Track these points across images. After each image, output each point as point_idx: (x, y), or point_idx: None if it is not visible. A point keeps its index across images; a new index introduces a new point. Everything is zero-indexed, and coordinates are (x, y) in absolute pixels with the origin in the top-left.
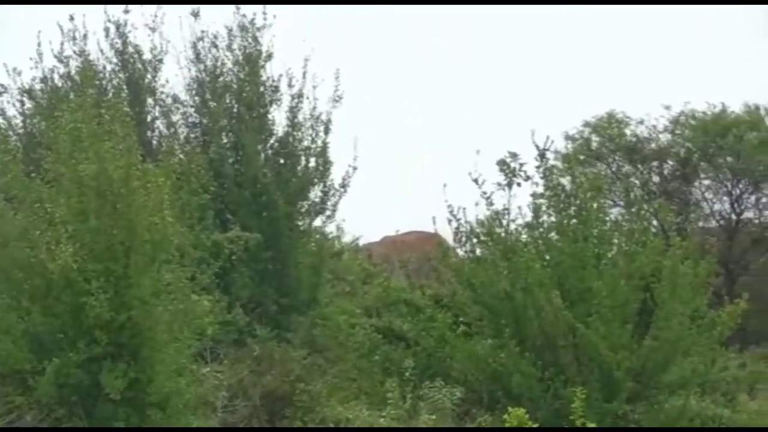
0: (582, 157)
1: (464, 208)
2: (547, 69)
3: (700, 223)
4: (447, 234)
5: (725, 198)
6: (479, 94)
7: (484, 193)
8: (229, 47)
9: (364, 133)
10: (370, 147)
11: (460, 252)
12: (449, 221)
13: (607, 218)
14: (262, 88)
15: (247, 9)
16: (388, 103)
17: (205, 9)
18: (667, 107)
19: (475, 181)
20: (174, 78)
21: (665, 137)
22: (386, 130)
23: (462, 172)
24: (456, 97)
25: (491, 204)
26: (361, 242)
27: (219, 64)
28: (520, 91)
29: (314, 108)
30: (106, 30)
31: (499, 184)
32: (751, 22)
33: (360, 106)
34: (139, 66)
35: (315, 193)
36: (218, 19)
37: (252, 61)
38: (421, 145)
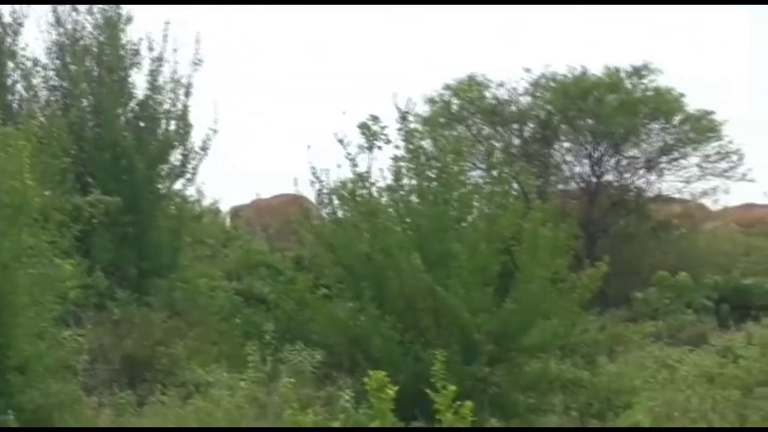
0: (443, 120)
1: (327, 170)
2: (413, 31)
3: (561, 186)
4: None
5: (585, 161)
6: (346, 57)
7: (349, 154)
8: (89, 11)
9: (244, 98)
10: (245, 110)
11: (324, 214)
12: (312, 183)
13: (468, 181)
14: (122, 52)
15: None
16: (268, 69)
17: None
18: (528, 70)
19: (341, 141)
20: (34, 42)
21: (526, 100)
22: (263, 93)
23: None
24: (325, 59)
25: (355, 166)
26: (231, 205)
27: (79, 27)
28: (386, 52)
29: (175, 72)
30: None
31: (361, 147)
32: None
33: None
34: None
35: (175, 157)
36: None
37: (112, 24)
38: (294, 108)
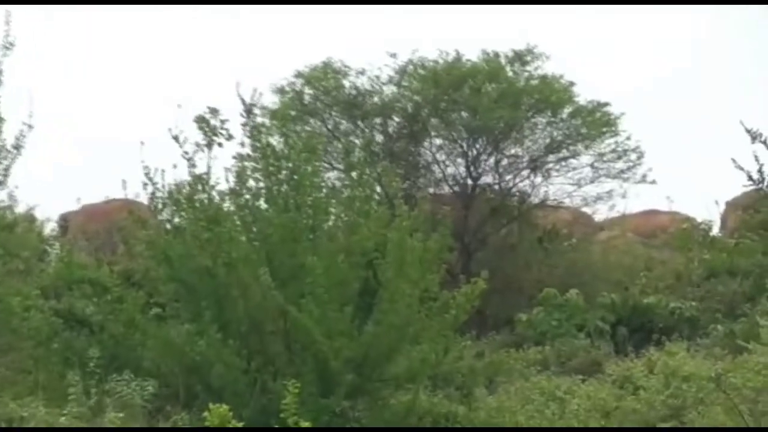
0: (294, 113)
1: (163, 171)
2: (263, 11)
3: (432, 190)
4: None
5: (460, 160)
6: (183, 42)
7: (186, 153)
8: None
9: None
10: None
11: (158, 221)
12: (144, 185)
13: (324, 184)
14: None
15: None
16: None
17: None
18: (393, 55)
19: (176, 138)
20: None
21: (390, 90)
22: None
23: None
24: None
25: (193, 166)
26: (58, 212)
27: None
28: (230, 36)
29: None
30: None
31: (198, 144)
32: None
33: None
34: None
35: None
36: None
37: None
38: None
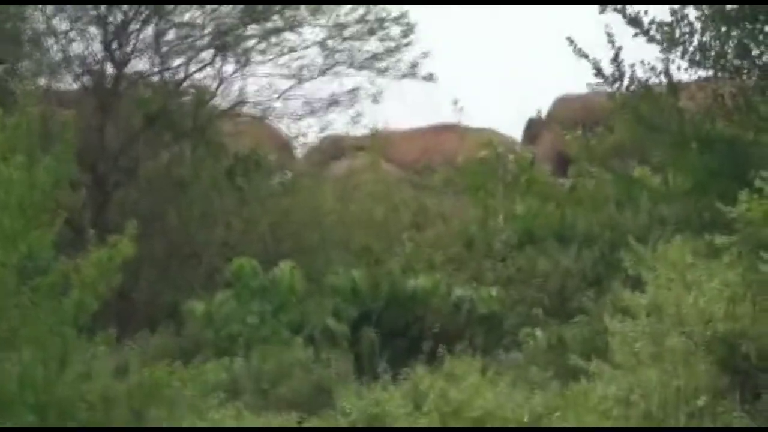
0: None
1: None
2: None
3: (44, 81)
4: None
5: (94, 30)
6: None
7: None
8: None
9: None
10: None
11: None
12: None
13: None
14: None
15: None
16: None
17: None
18: None
19: None
20: None
21: None
22: None
23: None
24: None
25: None
26: None
27: None
28: None
29: None
30: None
31: None
32: None
33: None
34: None
35: None
36: None
37: None
38: None
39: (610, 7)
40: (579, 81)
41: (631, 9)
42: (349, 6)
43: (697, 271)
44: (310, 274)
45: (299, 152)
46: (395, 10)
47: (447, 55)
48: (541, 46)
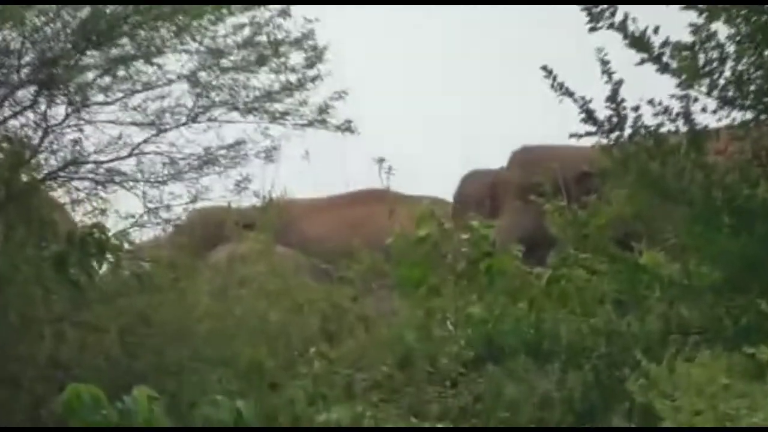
0: None
1: None
2: None
3: None
4: None
5: None
6: None
7: None
8: None
9: None
10: None
11: None
12: None
13: None
14: None
15: None
16: None
17: None
18: None
19: None
20: None
21: None
22: None
23: None
24: None
25: None
26: None
27: None
28: None
29: None
30: None
31: None
32: None
33: None
34: None
35: None
36: None
37: None
38: None
39: (604, 21)
40: (561, 129)
41: (635, 26)
42: (230, 21)
43: (734, 399)
44: (176, 404)
45: (162, 231)
46: (297, 27)
47: (373, 95)
48: (507, 79)
